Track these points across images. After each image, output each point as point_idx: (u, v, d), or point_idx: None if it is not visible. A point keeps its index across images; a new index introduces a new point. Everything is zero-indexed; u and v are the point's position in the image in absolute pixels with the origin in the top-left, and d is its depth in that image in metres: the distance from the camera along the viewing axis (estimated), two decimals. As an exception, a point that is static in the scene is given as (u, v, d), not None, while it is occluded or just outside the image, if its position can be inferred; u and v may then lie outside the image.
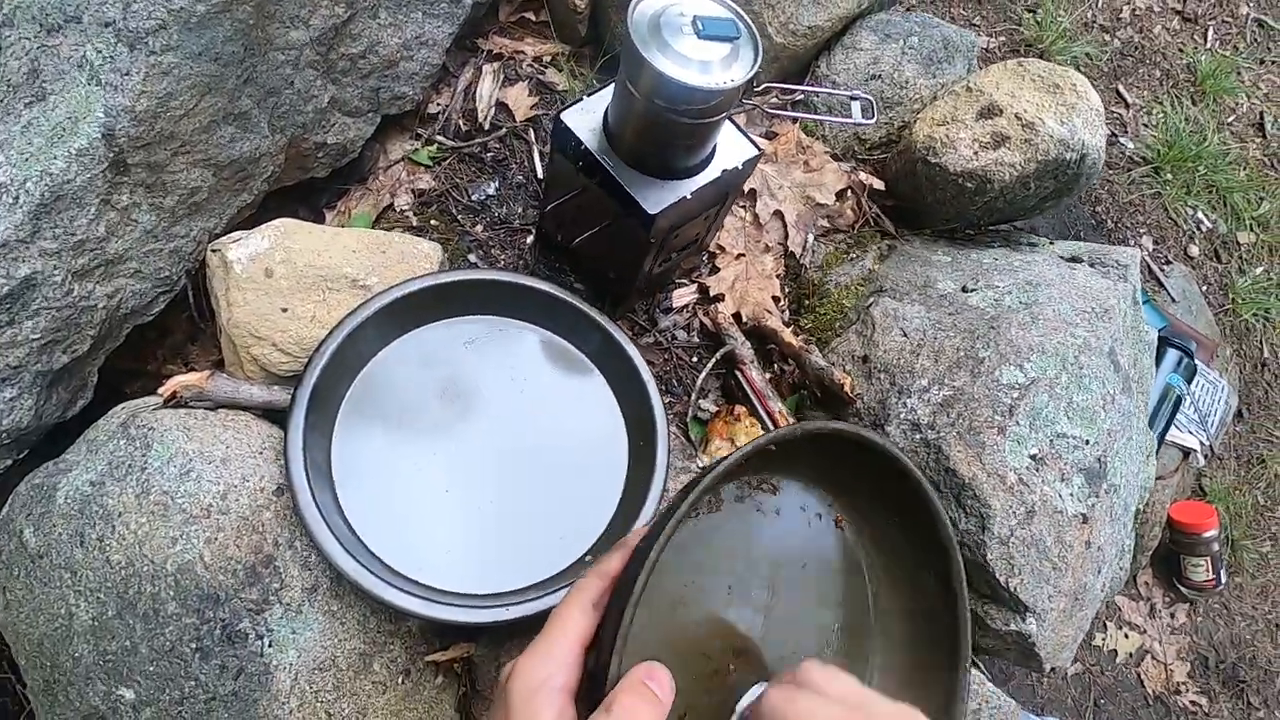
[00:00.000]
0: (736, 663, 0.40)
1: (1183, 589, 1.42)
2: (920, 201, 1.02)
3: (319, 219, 0.93)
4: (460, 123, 1.01)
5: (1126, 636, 1.40)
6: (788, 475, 0.44)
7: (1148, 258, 1.57)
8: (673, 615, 0.39)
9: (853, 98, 0.74)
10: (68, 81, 0.62)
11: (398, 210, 0.95)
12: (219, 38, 0.63)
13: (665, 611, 0.39)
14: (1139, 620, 1.42)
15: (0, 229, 0.56)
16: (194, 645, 0.58)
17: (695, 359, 0.95)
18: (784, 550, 0.43)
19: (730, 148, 0.76)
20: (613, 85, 0.71)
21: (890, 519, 0.44)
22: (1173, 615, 1.45)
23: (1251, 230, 1.72)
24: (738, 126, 0.78)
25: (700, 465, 0.83)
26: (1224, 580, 1.39)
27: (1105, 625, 1.39)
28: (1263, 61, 1.98)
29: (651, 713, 0.31)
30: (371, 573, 0.61)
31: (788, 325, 0.98)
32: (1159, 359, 1.25)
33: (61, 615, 0.58)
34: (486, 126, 1.00)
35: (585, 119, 0.73)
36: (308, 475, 0.63)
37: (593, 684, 0.32)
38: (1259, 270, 1.70)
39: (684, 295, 0.97)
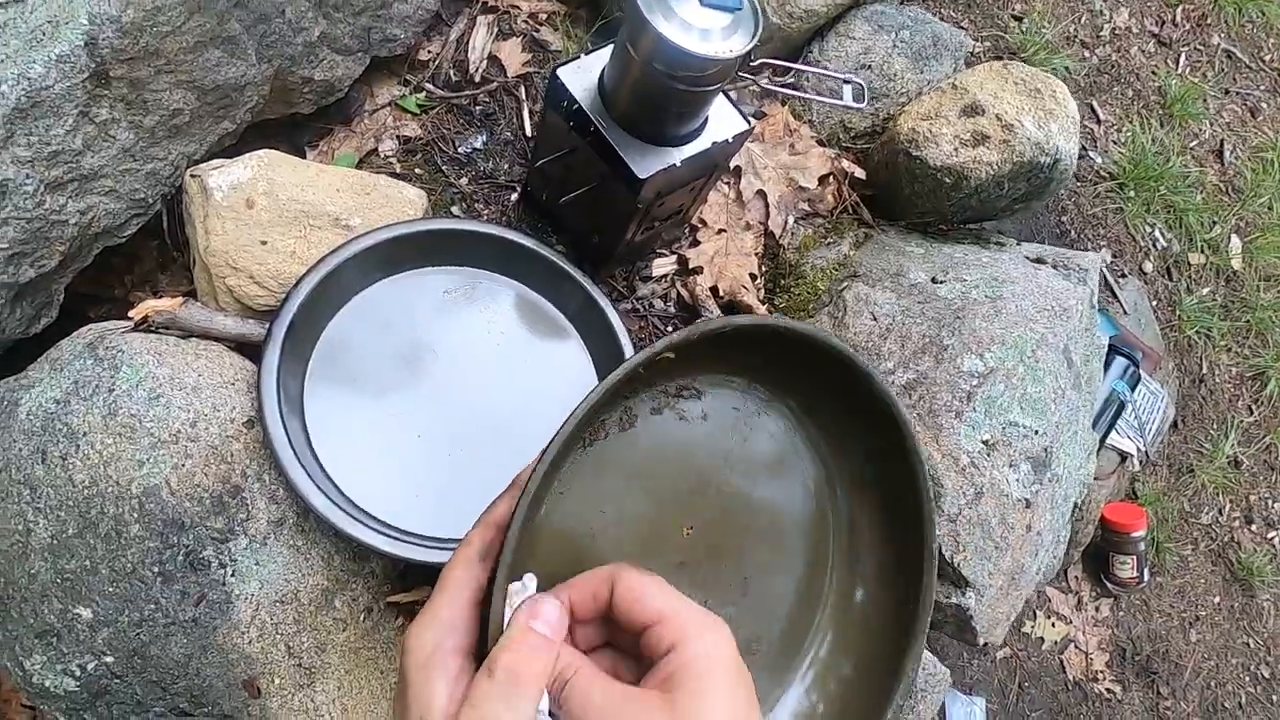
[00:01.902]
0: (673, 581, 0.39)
1: (1109, 584, 1.50)
2: (899, 192, 1.05)
3: (300, 156, 0.91)
4: (451, 73, 1.00)
5: (1054, 625, 1.47)
6: (714, 378, 0.41)
7: (1105, 269, 1.63)
8: (590, 548, 0.37)
9: (846, 81, 0.75)
10: (50, -15, 0.59)
11: (382, 155, 0.94)
12: (213, -45, 0.62)
13: (578, 545, 0.37)
14: (1066, 611, 1.50)
15: (-28, 131, 0.54)
16: (156, 569, 0.58)
17: (670, 328, 0.97)
18: (715, 456, 0.41)
19: (722, 121, 0.77)
20: (611, 46, 0.71)
21: (836, 406, 0.42)
22: (1098, 608, 1.53)
23: (1202, 252, 1.80)
24: (731, 100, 0.79)
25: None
26: (1147, 579, 1.48)
27: (1035, 614, 1.47)
28: (1228, 91, 2.06)
29: (541, 660, 0.29)
30: (340, 509, 0.62)
31: (763, 303, 1.00)
32: (1107, 365, 1.31)
33: (18, 531, 0.57)
34: (477, 79, 0.99)
35: (581, 77, 0.74)
36: (280, 410, 0.63)
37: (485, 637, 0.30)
38: (1205, 290, 1.78)
39: (663, 265, 0.98)
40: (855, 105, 0.74)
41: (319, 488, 0.62)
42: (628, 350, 0.79)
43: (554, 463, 0.32)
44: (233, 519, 0.61)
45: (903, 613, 0.43)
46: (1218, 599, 1.64)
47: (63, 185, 0.61)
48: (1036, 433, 0.79)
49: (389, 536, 0.64)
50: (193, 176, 0.69)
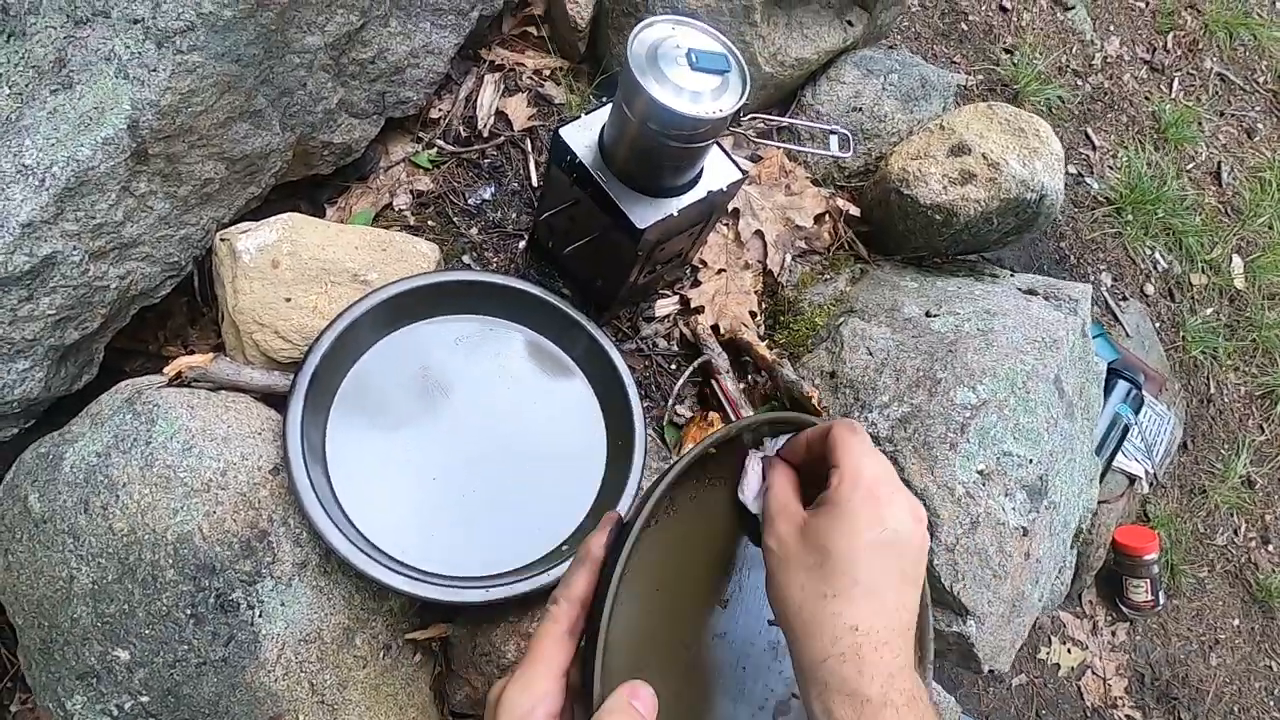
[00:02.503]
0: (713, 643, 0.43)
1: (1124, 608, 1.49)
2: (892, 229, 1.08)
3: (320, 213, 0.96)
4: (460, 129, 1.05)
5: (1069, 651, 1.47)
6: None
7: (1106, 293, 1.65)
8: (648, 623, 0.41)
9: (831, 131, 0.80)
10: (95, 73, 0.65)
11: (396, 209, 0.99)
12: (242, 40, 0.67)
13: (639, 621, 0.41)
14: (1082, 636, 1.49)
15: (27, 210, 0.59)
16: (189, 611, 0.61)
17: (674, 366, 1.00)
18: (744, 539, 0.46)
19: (717, 170, 0.81)
20: (609, 105, 0.76)
21: None
22: (1114, 633, 1.52)
23: (1204, 273, 1.82)
24: (725, 151, 0.83)
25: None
26: (1162, 602, 1.47)
27: (1050, 640, 1.46)
28: (1223, 114, 2.09)
29: None
30: (360, 550, 0.65)
31: (763, 339, 1.03)
32: (1109, 389, 1.33)
33: (62, 578, 0.61)
34: (485, 134, 1.05)
35: (582, 135, 0.78)
36: (304, 457, 0.67)
37: (580, 701, 0.35)
38: (1209, 311, 1.79)
39: (666, 306, 1.02)
40: (841, 154, 0.78)
41: (340, 530, 0.66)
42: (631, 388, 0.83)
43: (635, 543, 0.36)
44: (260, 562, 0.64)
45: None
46: (1237, 621, 1.63)
47: (105, 254, 0.66)
48: (1031, 461, 0.81)
49: (406, 576, 0.67)
50: (222, 240, 0.74)
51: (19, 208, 0.60)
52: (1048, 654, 1.45)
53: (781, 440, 0.44)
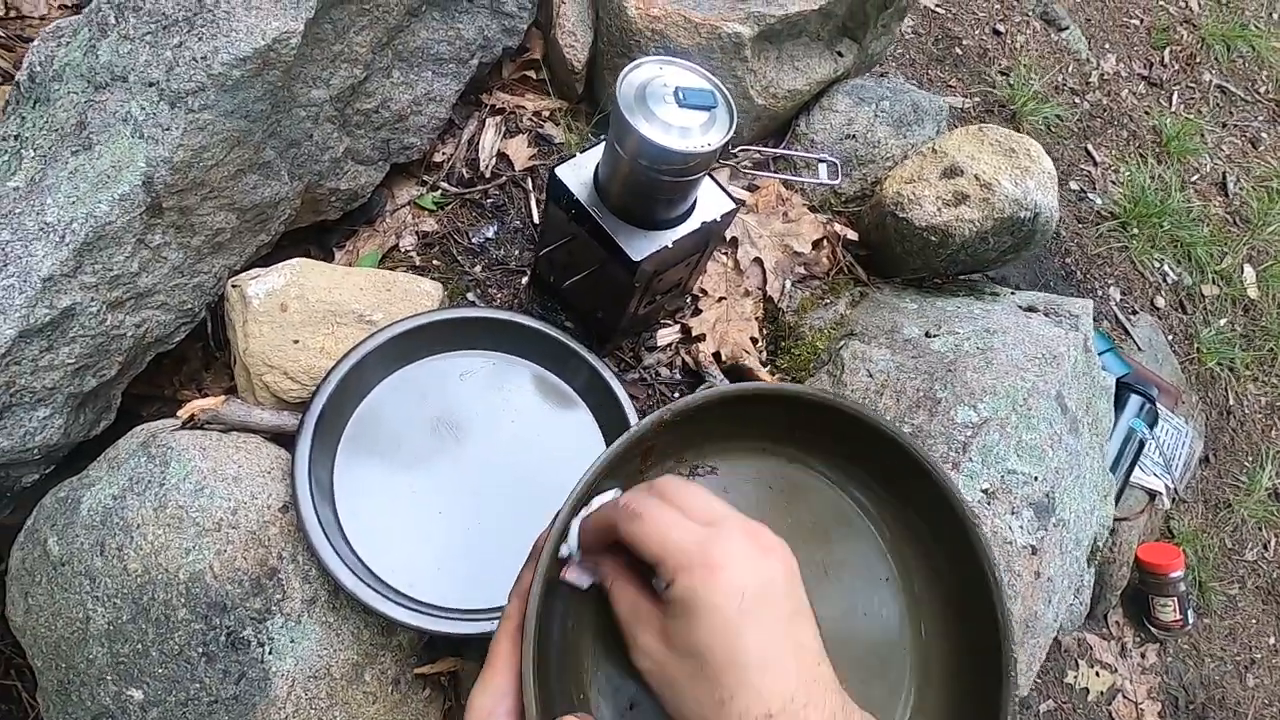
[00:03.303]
0: None
1: (1152, 629, 1.46)
2: (891, 251, 1.09)
3: (329, 257, 1.00)
4: (463, 171, 1.09)
5: (1098, 675, 1.43)
6: (727, 453, 0.44)
7: (1115, 307, 1.64)
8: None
9: (820, 160, 0.81)
10: (113, 133, 0.69)
11: (402, 250, 1.02)
12: (250, 97, 0.71)
13: (598, 610, 0.40)
14: (1110, 659, 1.45)
15: (48, 264, 0.63)
16: (201, 650, 0.62)
17: (677, 395, 1.01)
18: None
19: (710, 201, 0.83)
20: (603, 143, 0.78)
21: (868, 470, 0.43)
22: (1143, 655, 1.48)
23: (1215, 284, 1.80)
24: (717, 182, 0.85)
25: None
26: (1192, 621, 1.44)
27: (1077, 663, 1.43)
28: (1225, 125, 2.09)
29: None
30: (368, 586, 0.66)
31: (764, 365, 1.04)
32: (1122, 404, 1.32)
33: (79, 619, 0.63)
34: (487, 175, 1.08)
35: (577, 173, 0.81)
36: (312, 494, 0.69)
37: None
38: (1222, 322, 1.78)
39: (668, 335, 1.03)
40: (830, 182, 0.80)
41: (347, 566, 0.67)
42: (632, 418, 0.84)
43: (563, 531, 0.37)
44: (270, 599, 0.66)
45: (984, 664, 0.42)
46: (1273, 640, 1.58)
47: (122, 304, 0.69)
48: (1035, 479, 0.81)
49: (414, 610, 0.68)
50: (233, 286, 0.77)
51: (41, 263, 0.63)
52: (1075, 678, 1.41)
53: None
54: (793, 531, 0.42)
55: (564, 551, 0.38)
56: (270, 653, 0.65)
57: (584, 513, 0.38)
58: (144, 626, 0.62)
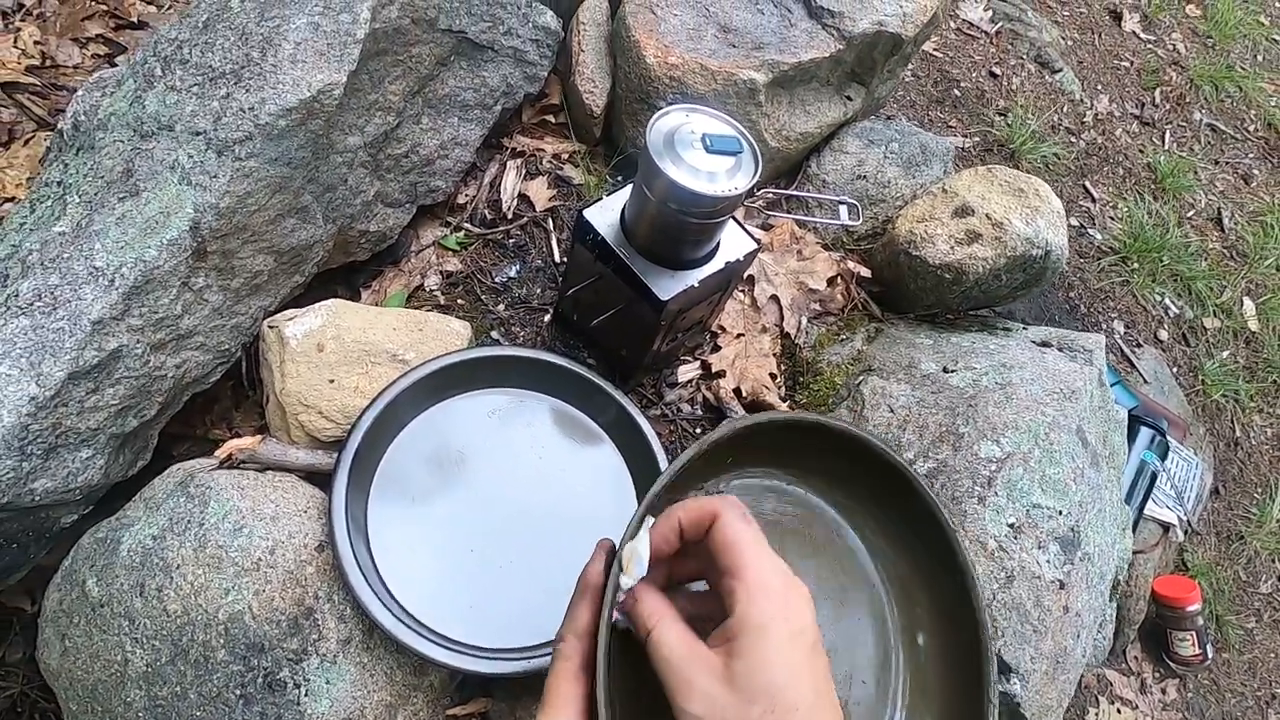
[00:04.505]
0: None
1: (1171, 663, 1.45)
2: (904, 289, 1.12)
3: (356, 297, 1.01)
4: (486, 212, 1.11)
5: (1120, 712, 1.41)
6: (752, 475, 0.46)
7: (1120, 340, 1.67)
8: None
9: (840, 201, 0.84)
10: (159, 181, 0.71)
11: (427, 290, 1.04)
12: (294, 145, 0.73)
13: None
14: (1131, 695, 1.44)
15: (98, 308, 0.64)
16: (238, 692, 0.62)
17: (699, 430, 1.02)
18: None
19: (733, 242, 0.85)
20: (629, 186, 0.81)
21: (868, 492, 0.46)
22: (1164, 691, 1.47)
23: (1216, 316, 1.83)
24: (739, 224, 0.88)
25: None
26: (1210, 655, 1.43)
27: (1098, 700, 1.41)
28: (1217, 162, 2.15)
29: None
30: (403, 624, 0.66)
31: (784, 400, 1.05)
32: (1132, 437, 1.33)
33: (117, 662, 0.63)
34: (509, 215, 1.11)
35: (604, 215, 0.83)
36: (348, 533, 0.69)
37: None
38: (1225, 354, 1.80)
39: (688, 371, 1.05)
40: (852, 223, 0.82)
41: (383, 604, 0.67)
42: (659, 453, 0.85)
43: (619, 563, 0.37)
44: (306, 639, 0.66)
45: (967, 659, 0.45)
46: (1292, 674, 1.57)
47: (164, 345, 0.70)
48: (1061, 513, 0.81)
49: (447, 648, 0.68)
50: (270, 327, 0.78)
51: (90, 306, 0.64)
52: (1097, 715, 1.40)
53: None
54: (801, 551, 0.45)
55: (625, 583, 0.38)
56: (306, 694, 0.64)
57: (643, 531, 0.38)
58: (183, 668, 0.62)
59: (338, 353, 0.77)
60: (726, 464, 0.45)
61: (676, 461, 0.40)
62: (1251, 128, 2.27)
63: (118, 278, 0.65)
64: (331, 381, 0.76)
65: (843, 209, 0.84)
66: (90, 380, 0.65)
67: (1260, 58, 2.46)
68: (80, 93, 0.85)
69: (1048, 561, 0.79)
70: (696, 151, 0.72)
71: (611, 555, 0.39)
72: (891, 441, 0.89)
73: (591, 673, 0.36)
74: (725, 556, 0.34)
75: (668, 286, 0.80)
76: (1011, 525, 0.80)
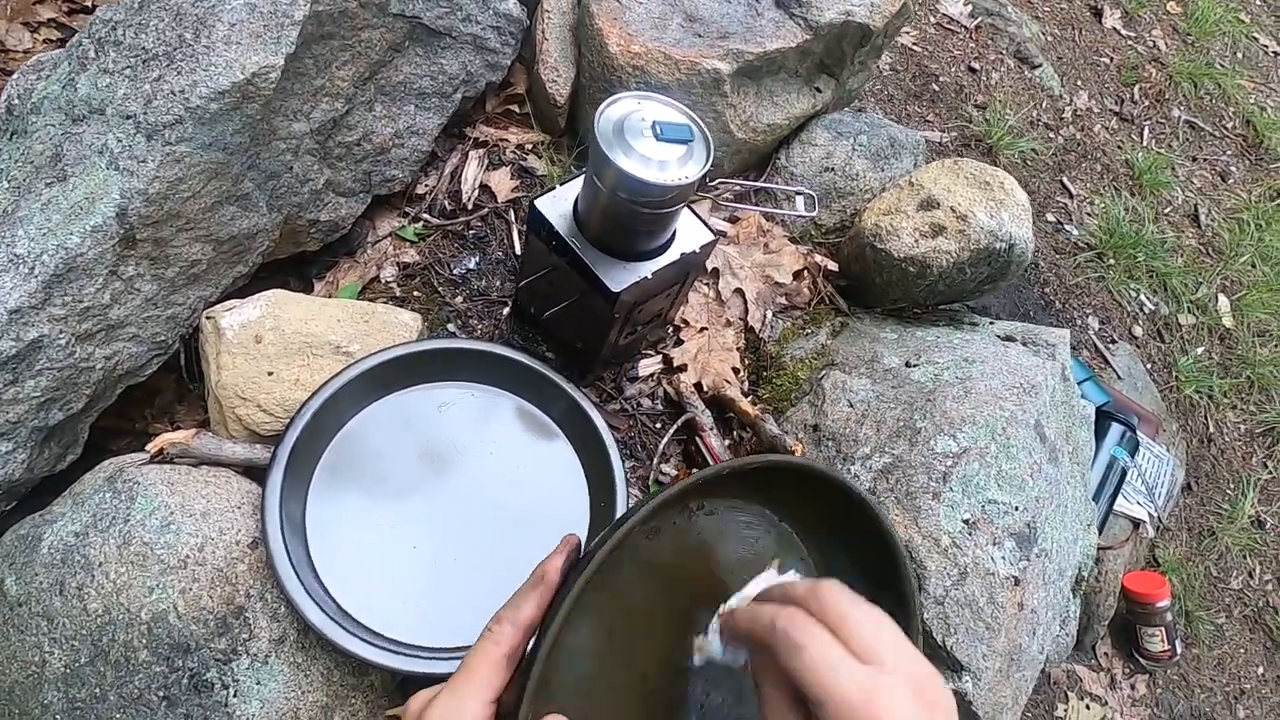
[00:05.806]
0: (675, 678, 0.41)
1: (1141, 659, 1.44)
2: (871, 282, 1.10)
3: (309, 289, 0.99)
4: (445, 202, 1.09)
5: (1089, 708, 1.41)
6: (723, 499, 0.44)
7: (1094, 336, 1.66)
8: (606, 646, 0.40)
9: (797, 192, 0.82)
10: (87, 165, 0.69)
11: (383, 282, 1.02)
12: (228, 130, 0.71)
13: (593, 643, 0.39)
14: (1100, 691, 1.43)
15: (15, 296, 0.62)
16: (161, 694, 0.60)
17: (658, 425, 1.00)
18: (728, 566, 0.43)
19: (689, 233, 0.84)
20: (582, 176, 0.79)
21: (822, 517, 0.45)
22: (1133, 686, 1.47)
23: (1191, 313, 1.83)
24: (696, 215, 0.86)
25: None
26: (1180, 651, 1.42)
27: (1067, 696, 1.41)
28: (1195, 159, 2.15)
29: None
30: (339, 625, 0.64)
31: (746, 395, 1.04)
32: (1102, 433, 1.32)
33: (35, 663, 0.61)
34: (470, 206, 1.08)
35: (557, 205, 0.81)
36: (282, 530, 0.67)
37: None
38: (1200, 350, 1.80)
39: (649, 365, 1.03)
40: (807, 214, 0.80)
41: (318, 604, 0.65)
42: (612, 450, 0.83)
43: (596, 571, 0.35)
44: (236, 639, 0.64)
45: None
46: (1261, 669, 1.57)
47: (91, 336, 0.68)
48: (1017, 509, 0.80)
49: (385, 649, 0.66)
50: (207, 318, 0.76)
51: (8, 295, 0.62)
52: (1065, 711, 1.39)
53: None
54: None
55: (697, 661, 0.38)
56: (235, 695, 0.63)
57: (733, 602, 0.38)
58: (102, 669, 0.60)
59: (277, 344, 0.75)
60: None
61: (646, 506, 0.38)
62: (1229, 125, 2.27)
63: (38, 265, 0.63)
64: (270, 374, 0.74)
65: (799, 199, 0.82)
66: (8, 372, 0.62)
67: (1240, 55, 2.47)
68: (16, 76, 0.82)
69: (1003, 558, 0.78)
70: (647, 140, 0.70)
71: (576, 552, 0.38)
72: (848, 437, 0.88)
73: (517, 666, 0.34)
74: (802, 680, 0.31)
75: (620, 278, 0.79)
76: (966, 521, 0.79)
